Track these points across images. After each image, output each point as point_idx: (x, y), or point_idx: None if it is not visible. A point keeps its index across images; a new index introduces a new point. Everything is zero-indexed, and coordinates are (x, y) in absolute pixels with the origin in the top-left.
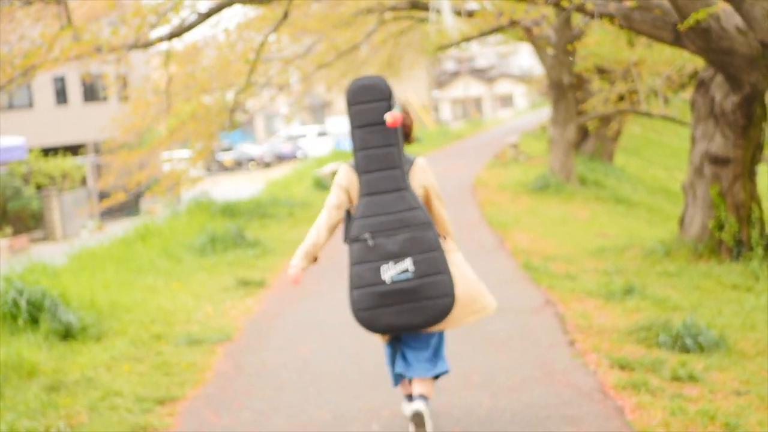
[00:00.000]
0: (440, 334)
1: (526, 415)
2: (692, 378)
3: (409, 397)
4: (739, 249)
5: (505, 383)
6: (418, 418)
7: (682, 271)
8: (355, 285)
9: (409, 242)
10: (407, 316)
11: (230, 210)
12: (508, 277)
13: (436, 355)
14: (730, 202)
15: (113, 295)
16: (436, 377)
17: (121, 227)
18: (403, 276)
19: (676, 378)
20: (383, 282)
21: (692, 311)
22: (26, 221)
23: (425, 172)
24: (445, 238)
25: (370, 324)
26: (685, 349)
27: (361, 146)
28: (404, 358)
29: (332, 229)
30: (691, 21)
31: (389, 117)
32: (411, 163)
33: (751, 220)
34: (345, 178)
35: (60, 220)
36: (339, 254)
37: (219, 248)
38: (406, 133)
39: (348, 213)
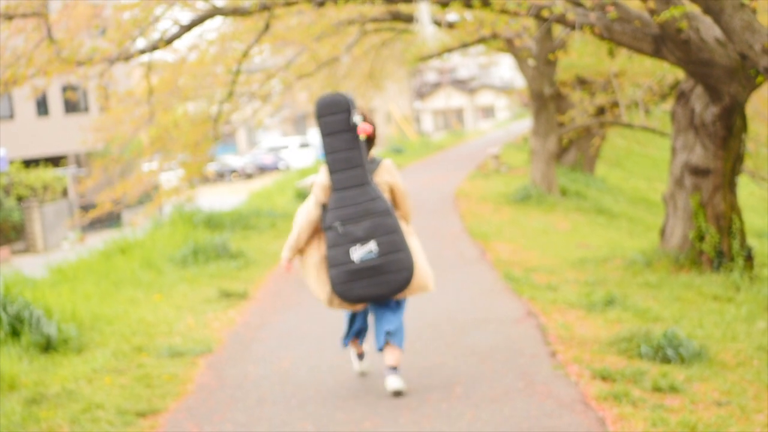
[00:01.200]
0: (401, 307)
1: (508, 426)
2: (673, 389)
3: (360, 356)
4: (720, 260)
5: (487, 394)
6: (398, 394)
7: (663, 282)
8: (331, 264)
9: (373, 227)
10: (374, 288)
11: (213, 221)
12: (490, 288)
13: (401, 320)
14: (710, 213)
15: (94, 308)
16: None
17: (102, 239)
18: (369, 256)
19: (657, 389)
20: (352, 261)
21: (673, 322)
22: (7, 233)
23: (390, 172)
24: (407, 223)
25: (344, 296)
26: (667, 360)
27: (329, 150)
28: (378, 319)
29: (312, 224)
30: (667, 16)
31: (361, 131)
32: (378, 163)
33: (732, 231)
34: (322, 178)
35: (41, 231)
36: None
37: (201, 260)
38: (370, 137)
39: (324, 206)
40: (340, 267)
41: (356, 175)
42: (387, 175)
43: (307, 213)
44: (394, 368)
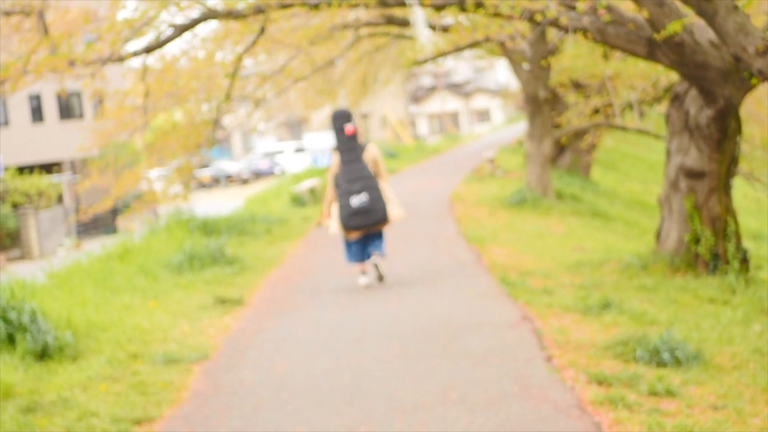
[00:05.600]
0: (382, 233)
1: (503, 431)
2: (669, 392)
3: (363, 273)
4: (716, 262)
5: (483, 399)
6: (378, 271)
7: (659, 285)
8: (339, 207)
9: (364, 185)
10: (364, 221)
11: (208, 227)
12: (485, 292)
13: (383, 243)
14: (705, 215)
15: (90, 314)
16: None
17: (98, 245)
18: (363, 202)
19: (653, 393)
20: (352, 206)
21: (669, 325)
22: (3, 240)
23: (373, 152)
24: (385, 180)
25: (347, 226)
26: (663, 364)
27: (339, 140)
28: (368, 246)
29: (334, 181)
30: (667, 31)
31: (348, 129)
32: (364, 147)
33: (727, 233)
34: (335, 158)
35: (37, 238)
36: (314, 272)
37: (196, 266)
38: (355, 134)
39: (336, 174)
40: (345, 209)
41: (353, 154)
42: (371, 153)
43: (330, 178)
44: (380, 257)
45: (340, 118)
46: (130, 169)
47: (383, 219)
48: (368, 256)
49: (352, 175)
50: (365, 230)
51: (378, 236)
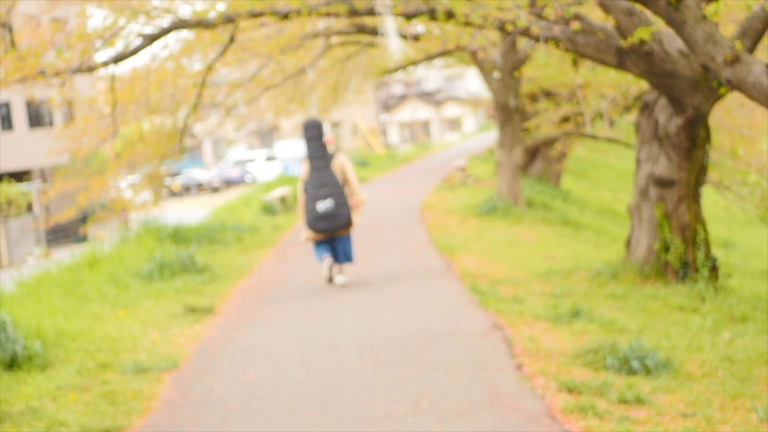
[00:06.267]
0: (349, 240)
1: None
2: (639, 401)
3: (330, 279)
4: (685, 271)
5: (453, 408)
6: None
7: (629, 293)
8: (306, 211)
9: (329, 191)
10: (329, 225)
11: (179, 235)
12: (456, 300)
13: (351, 249)
14: (675, 223)
15: (59, 323)
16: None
17: (68, 254)
18: (328, 208)
19: (623, 401)
20: (317, 210)
21: (639, 333)
22: None
23: (340, 160)
24: (352, 191)
25: (313, 228)
26: (632, 372)
27: (309, 148)
28: (335, 251)
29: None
30: (635, 38)
31: (327, 138)
32: (333, 155)
33: (697, 241)
34: (305, 165)
35: (6, 247)
36: (285, 281)
37: (167, 274)
38: (327, 144)
39: (305, 181)
40: (312, 213)
41: (322, 162)
42: (339, 162)
43: (301, 186)
44: (342, 273)
45: (311, 128)
46: (98, 176)
47: (347, 224)
48: (337, 257)
49: (320, 181)
50: (330, 234)
51: (346, 241)
